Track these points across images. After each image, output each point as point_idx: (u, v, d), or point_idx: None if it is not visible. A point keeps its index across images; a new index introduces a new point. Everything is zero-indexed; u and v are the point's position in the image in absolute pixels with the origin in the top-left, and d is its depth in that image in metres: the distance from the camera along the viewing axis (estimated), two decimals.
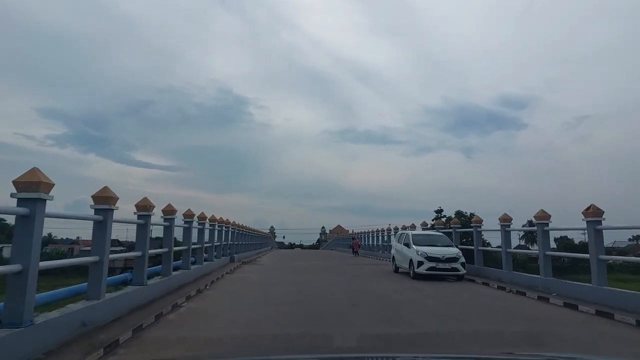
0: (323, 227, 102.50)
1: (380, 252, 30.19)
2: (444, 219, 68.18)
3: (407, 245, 15.01)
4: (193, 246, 13.37)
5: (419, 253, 14.05)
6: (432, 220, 68.31)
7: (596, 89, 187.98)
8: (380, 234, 31.59)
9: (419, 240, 14.96)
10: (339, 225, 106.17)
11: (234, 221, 21.97)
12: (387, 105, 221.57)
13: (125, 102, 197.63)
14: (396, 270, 16.28)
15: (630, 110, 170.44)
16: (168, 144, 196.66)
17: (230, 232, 20.73)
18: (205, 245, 15.37)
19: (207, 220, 15.43)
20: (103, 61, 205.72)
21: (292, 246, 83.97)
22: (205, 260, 15.23)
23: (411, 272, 14.27)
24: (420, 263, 13.86)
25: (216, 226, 17.09)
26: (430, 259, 13.80)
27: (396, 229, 26.26)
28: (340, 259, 28.31)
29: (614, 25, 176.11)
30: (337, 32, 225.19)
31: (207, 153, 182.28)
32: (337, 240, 57.52)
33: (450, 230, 18.57)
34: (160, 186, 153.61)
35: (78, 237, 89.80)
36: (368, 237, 35.67)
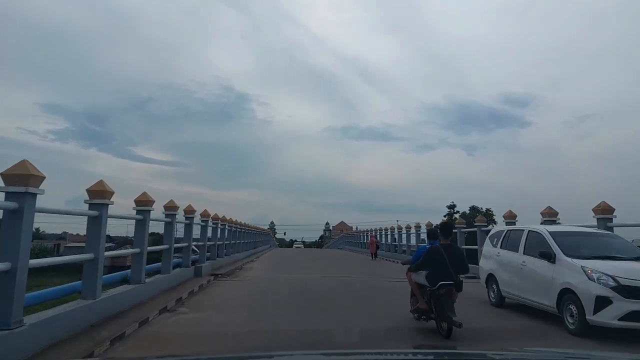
0: (327, 223, 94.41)
1: (399, 253, 24.56)
2: (457, 215, 59.39)
3: (547, 256, 6.59)
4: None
5: (597, 277, 5.66)
6: (444, 216, 59.80)
7: (599, 87, 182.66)
8: (396, 233, 26.44)
9: (573, 246, 6.60)
10: (342, 222, 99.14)
11: (205, 210, 13.62)
12: (389, 103, 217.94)
13: (127, 97, 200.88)
14: (501, 301, 7.92)
15: (632, 109, 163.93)
16: (170, 139, 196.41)
17: (194, 227, 12.36)
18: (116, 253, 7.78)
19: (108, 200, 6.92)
20: (105, 56, 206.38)
21: (293, 243, 74.42)
22: (106, 285, 7.11)
23: (570, 319, 5.94)
24: (603, 301, 5.44)
25: (149, 217, 8.69)
26: (628, 291, 5.42)
27: (436, 224, 18.39)
28: (362, 265, 19.82)
29: (618, 24, 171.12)
30: (339, 29, 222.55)
31: (209, 149, 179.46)
32: (344, 238, 49.20)
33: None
34: (162, 182, 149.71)
35: (64, 232, 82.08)
36: (383, 236, 29.79)
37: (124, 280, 8.22)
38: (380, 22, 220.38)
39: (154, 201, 8.40)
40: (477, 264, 14.29)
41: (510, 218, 12.45)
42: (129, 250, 8.37)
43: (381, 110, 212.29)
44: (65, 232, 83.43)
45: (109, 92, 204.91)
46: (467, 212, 56.67)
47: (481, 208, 58.38)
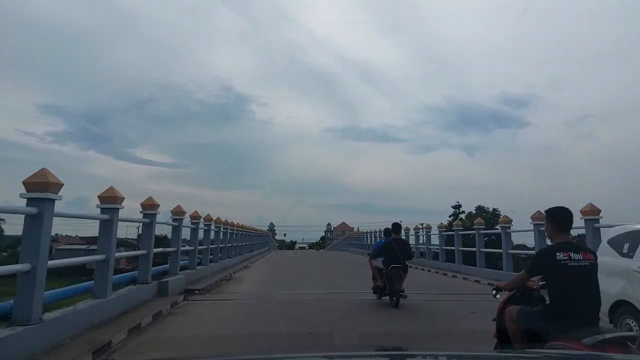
0: (329, 224, 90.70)
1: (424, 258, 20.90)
2: (462, 215, 55.71)
3: None
4: None
5: None
6: (449, 217, 56.25)
7: (599, 87, 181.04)
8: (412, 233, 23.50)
9: None
10: (343, 222, 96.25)
11: (178, 206, 10.26)
12: (389, 103, 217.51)
13: (127, 98, 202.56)
14: None
15: (632, 109, 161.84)
16: (169, 140, 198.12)
17: (154, 226, 8.92)
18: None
19: None
20: (104, 57, 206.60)
21: (293, 245, 70.66)
22: None
23: None
24: None
25: (49, 214, 5.14)
26: None
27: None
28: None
29: (618, 25, 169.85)
30: (339, 30, 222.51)
31: (209, 150, 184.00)
32: (348, 240, 45.80)
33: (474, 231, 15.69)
34: (161, 183, 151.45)
35: (56, 234, 78.44)
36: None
37: (4, 318, 4.75)
38: (380, 23, 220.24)
39: (62, 184, 5.05)
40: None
41: (594, 214, 9.36)
42: (9, 267, 4.90)
43: (381, 111, 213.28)
44: (57, 234, 79.64)
45: (109, 92, 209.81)
46: (473, 212, 53.37)
47: (487, 208, 55.00)
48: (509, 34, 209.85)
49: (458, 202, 57.03)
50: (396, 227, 8.95)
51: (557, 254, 3.24)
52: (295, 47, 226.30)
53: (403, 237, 9.62)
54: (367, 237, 34.34)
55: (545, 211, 3.58)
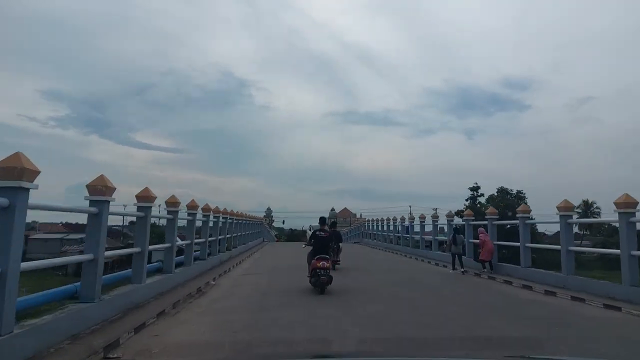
0: (333, 209, 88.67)
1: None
2: (482, 198, 53.97)
3: None
4: None
5: None
6: (466, 200, 54.74)
7: (600, 70, 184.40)
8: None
9: None
10: (345, 208, 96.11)
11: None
12: (388, 88, 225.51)
13: (128, 84, 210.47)
14: None
15: (633, 92, 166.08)
16: (170, 126, 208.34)
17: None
18: None
19: None
20: (105, 43, 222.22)
21: (293, 233, 65.33)
22: None
23: None
24: None
25: None
26: None
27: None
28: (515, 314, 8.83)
29: (618, 6, 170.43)
30: (338, 15, 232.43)
31: (209, 135, 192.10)
32: (358, 229, 41.99)
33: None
34: (162, 168, 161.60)
35: (33, 222, 77.73)
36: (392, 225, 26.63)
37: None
38: (380, 7, 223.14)
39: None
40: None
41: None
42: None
43: (382, 95, 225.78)
44: (35, 222, 78.50)
45: (109, 78, 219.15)
46: (495, 194, 52.20)
47: (511, 190, 53.62)
48: (509, 16, 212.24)
49: (476, 183, 54.38)
50: (323, 220, 12.80)
51: (317, 232, 11.47)
52: (294, 32, 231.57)
53: (327, 229, 12.69)
54: (383, 225, 32.43)
55: (320, 217, 12.46)
